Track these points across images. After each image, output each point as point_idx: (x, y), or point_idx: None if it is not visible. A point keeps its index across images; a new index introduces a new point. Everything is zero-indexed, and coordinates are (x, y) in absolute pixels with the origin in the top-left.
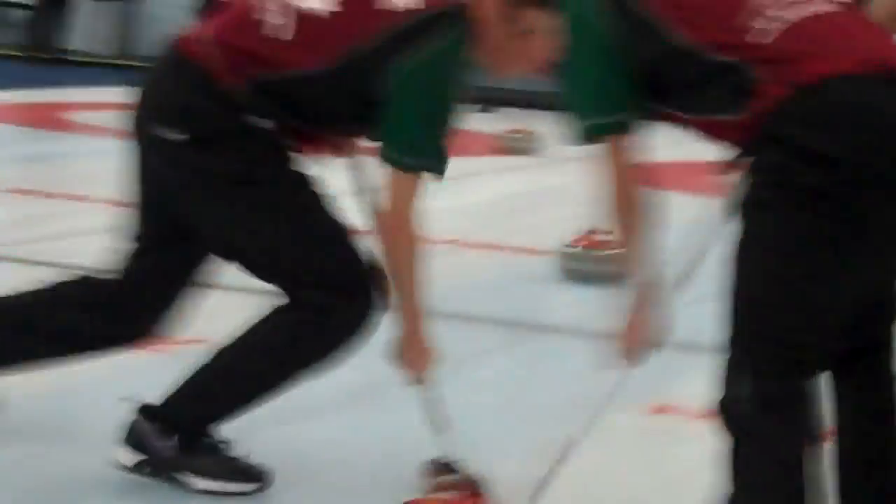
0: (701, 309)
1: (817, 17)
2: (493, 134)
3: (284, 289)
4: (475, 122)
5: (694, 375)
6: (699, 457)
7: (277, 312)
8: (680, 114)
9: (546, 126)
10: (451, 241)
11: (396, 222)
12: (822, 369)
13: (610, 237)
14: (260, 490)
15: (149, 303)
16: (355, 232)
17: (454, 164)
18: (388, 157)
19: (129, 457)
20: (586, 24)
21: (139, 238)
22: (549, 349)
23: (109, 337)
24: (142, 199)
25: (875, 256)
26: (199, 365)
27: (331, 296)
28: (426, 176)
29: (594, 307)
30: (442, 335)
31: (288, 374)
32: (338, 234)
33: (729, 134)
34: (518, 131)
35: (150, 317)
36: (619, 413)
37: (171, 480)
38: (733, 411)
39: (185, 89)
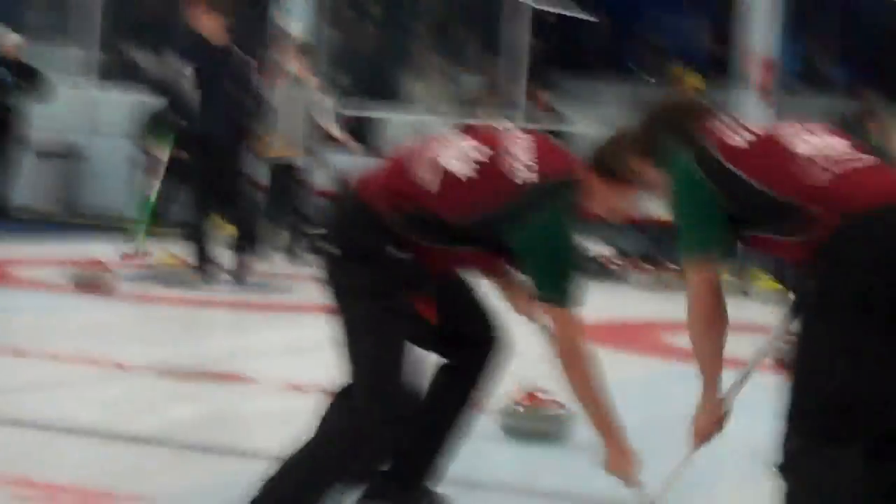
0: None
1: (858, 168)
2: None
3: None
4: None
5: None
6: None
7: (335, 412)
8: (758, 236)
9: None
10: None
11: (573, 348)
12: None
13: (549, 396)
14: None
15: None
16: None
17: None
18: (545, 301)
19: None
20: (690, 181)
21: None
22: None
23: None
24: None
25: None
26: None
27: (360, 396)
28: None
29: (535, 466)
30: None
31: (330, 460)
32: (397, 352)
33: (792, 252)
34: None
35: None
36: None
37: None
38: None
39: (351, 218)
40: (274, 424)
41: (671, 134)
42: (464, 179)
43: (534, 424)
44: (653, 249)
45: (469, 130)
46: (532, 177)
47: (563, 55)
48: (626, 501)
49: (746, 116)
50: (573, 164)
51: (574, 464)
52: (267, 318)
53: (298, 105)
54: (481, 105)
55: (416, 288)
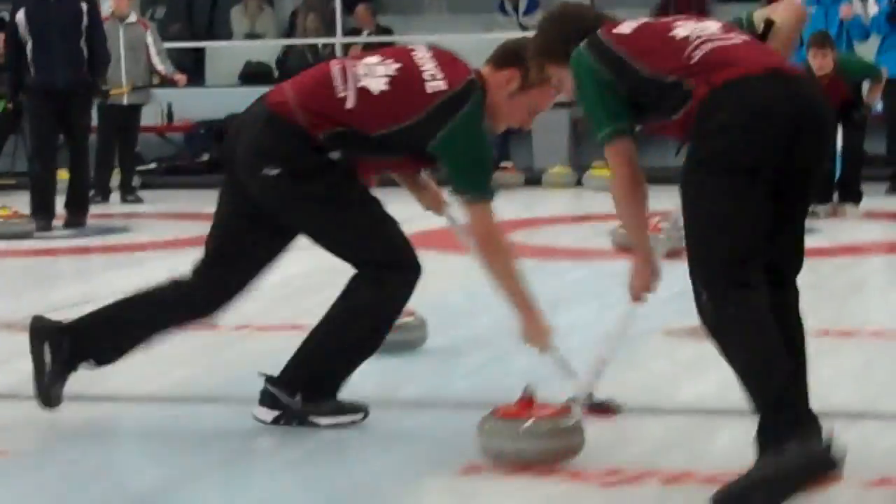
0: None
1: (726, 45)
2: None
3: (355, 265)
4: None
5: None
6: None
7: (348, 290)
8: (649, 120)
9: None
10: (243, 327)
11: (493, 237)
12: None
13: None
14: (364, 417)
15: (225, 289)
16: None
17: None
18: (463, 196)
19: (268, 413)
20: (587, 68)
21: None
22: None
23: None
24: (226, 222)
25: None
26: (304, 339)
27: (382, 270)
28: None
29: (393, 376)
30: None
31: (364, 331)
32: (387, 227)
33: (675, 130)
34: None
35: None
36: None
37: (303, 424)
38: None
39: (280, 137)
40: (128, 366)
41: (570, 35)
42: (378, 94)
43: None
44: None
45: (375, 50)
46: (441, 85)
47: None
48: (486, 401)
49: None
50: (473, 71)
51: (432, 370)
52: (109, 261)
53: (122, 43)
54: (302, 24)
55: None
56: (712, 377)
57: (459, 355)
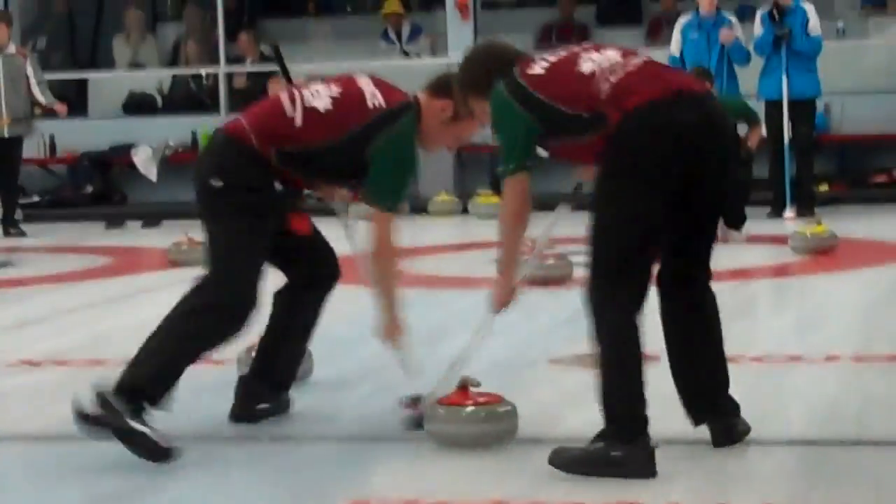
0: None
1: (630, 72)
2: (160, 248)
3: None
4: (141, 238)
5: None
6: None
7: (183, 300)
8: (561, 146)
9: None
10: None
11: (386, 245)
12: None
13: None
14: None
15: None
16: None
17: (127, 283)
18: (376, 202)
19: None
20: (505, 105)
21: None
22: (240, 459)
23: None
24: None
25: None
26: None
27: (210, 295)
28: (399, 212)
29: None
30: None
31: (183, 341)
32: (247, 262)
33: (584, 154)
34: (184, 242)
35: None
36: None
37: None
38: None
39: (233, 155)
40: (12, 402)
41: (491, 72)
42: (323, 111)
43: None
44: None
45: (322, 78)
46: (381, 102)
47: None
48: (373, 434)
49: (450, 34)
50: (407, 95)
51: (318, 402)
52: None
53: (0, 74)
54: (185, 53)
55: (290, 208)
56: (598, 406)
57: (346, 387)
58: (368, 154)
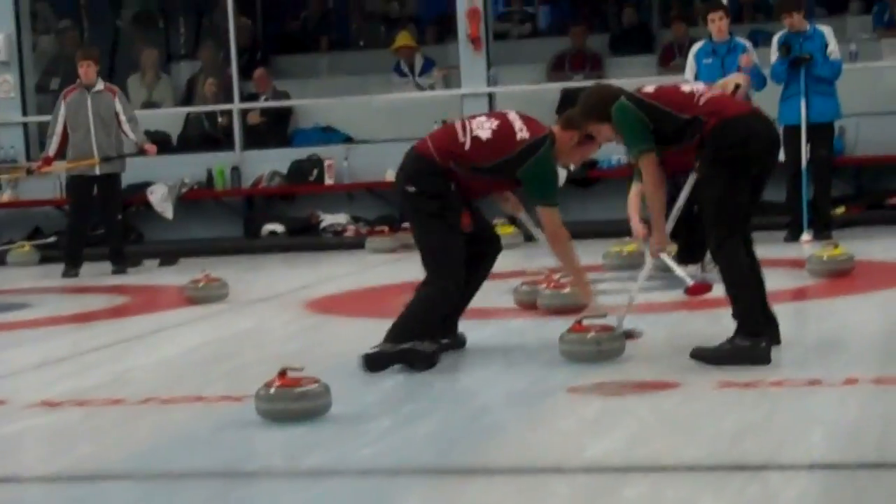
0: None
1: (716, 96)
2: (177, 286)
3: (422, 264)
4: (157, 277)
5: None
6: None
7: (419, 288)
8: (668, 150)
9: (229, 271)
10: (148, 400)
11: (558, 230)
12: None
13: (301, 374)
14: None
15: None
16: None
17: (144, 322)
18: (541, 201)
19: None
20: (628, 111)
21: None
22: (261, 495)
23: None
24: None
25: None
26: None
27: (433, 274)
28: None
29: (298, 445)
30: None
31: (427, 317)
32: (450, 243)
33: (687, 154)
34: (201, 280)
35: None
36: None
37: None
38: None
39: (420, 167)
40: (32, 443)
41: (604, 102)
42: (485, 140)
43: (289, 405)
44: (387, 214)
45: (483, 113)
46: (526, 135)
47: (279, 34)
48: (391, 467)
49: (462, 66)
50: (544, 127)
51: (336, 437)
52: (13, 336)
53: (91, 113)
54: (200, 90)
55: (461, 207)
56: (618, 434)
57: (364, 421)
58: (518, 174)
